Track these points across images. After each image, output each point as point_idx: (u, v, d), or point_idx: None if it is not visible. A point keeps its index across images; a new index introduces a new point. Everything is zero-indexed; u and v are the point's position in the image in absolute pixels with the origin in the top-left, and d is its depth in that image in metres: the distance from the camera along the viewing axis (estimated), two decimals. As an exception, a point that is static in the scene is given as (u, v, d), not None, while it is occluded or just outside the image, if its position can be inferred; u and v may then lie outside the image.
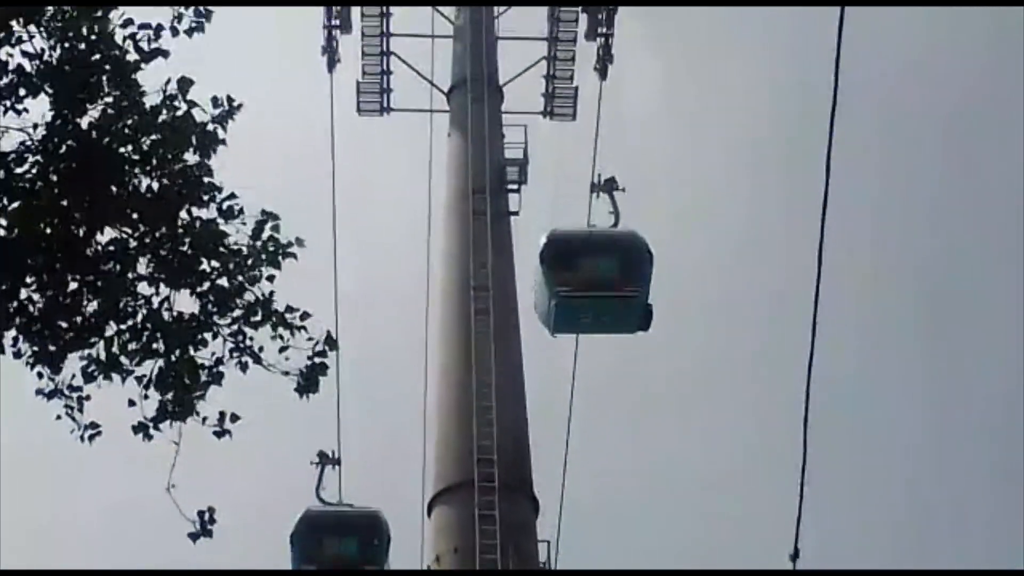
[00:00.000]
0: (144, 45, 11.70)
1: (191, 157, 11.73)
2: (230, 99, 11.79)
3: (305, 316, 12.14)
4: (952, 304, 47.98)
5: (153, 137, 11.60)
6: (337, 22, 30.08)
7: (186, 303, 12.02)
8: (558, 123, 30.73)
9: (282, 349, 12.20)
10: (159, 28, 11.77)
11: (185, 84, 11.74)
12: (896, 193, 49.36)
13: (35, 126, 11.71)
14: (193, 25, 11.94)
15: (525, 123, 28.36)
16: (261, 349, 12.10)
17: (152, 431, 12.06)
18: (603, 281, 23.38)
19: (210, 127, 11.77)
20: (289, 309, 12.11)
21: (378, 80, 30.56)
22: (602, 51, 29.91)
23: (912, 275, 49.12)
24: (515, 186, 26.96)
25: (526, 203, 26.89)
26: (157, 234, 11.69)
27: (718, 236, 49.10)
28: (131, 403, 12.05)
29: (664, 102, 46.00)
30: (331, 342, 12.29)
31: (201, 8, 11.95)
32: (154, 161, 11.64)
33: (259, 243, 11.82)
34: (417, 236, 28.56)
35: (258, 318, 12.07)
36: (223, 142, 11.86)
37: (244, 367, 12.09)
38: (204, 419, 12.12)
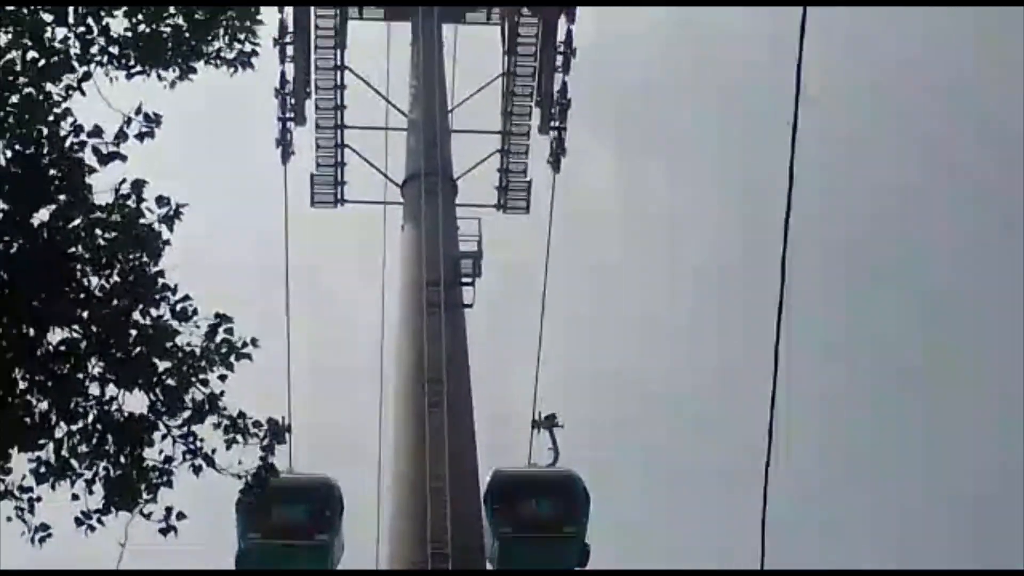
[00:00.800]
0: (102, 148, 11.75)
1: (140, 256, 11.74)
2: (170, 200, 11.85)
3: (258, 424, 12.19)
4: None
5: (105, 236, 11.62)
6: (292, 114, 30.25)
7: (136, 403, 12.01)
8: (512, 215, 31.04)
9: (229, 444, 12.20)
10: (120, 135, 11.81)
11: (139, 186, 11.78)
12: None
13: (-15, 226, 11.72)
14: (143, 131, 12.01)
15: (479, 216, 28.65)
16: (214, 451, 12.10)
17: (96, 524, 12.00)
18: (543, 523, 24.26)
19: (156, 227, 11.81)
20: (241, 414, 12.12)
21: (332, 172, 30.71)
22: (555, 144, 30.25)
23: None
24: (469, 279, 27.08)
25: (480, 295, 27.09)
26: (108, 334, 11.66)
27: (673, 318, 49.32)
28: (75, 497, 12.00)
29: (618, 191, 46.47)
30: (278, 433, 12.34)
31: (150, 113, 12.04)
32: (104, 260, 11.64)
33: (213, 344, 11.82)
34: (371, 328, 28.59)
35: (209, 417, 12.06)
36: (168, 243, 11.90)
37: (197, 470, 12.06)
38: (149, 515, 12.08)
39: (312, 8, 28.86)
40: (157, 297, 11.69)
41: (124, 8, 12.11)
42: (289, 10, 28.79)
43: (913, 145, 49.93)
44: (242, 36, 12.73)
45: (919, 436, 48.17)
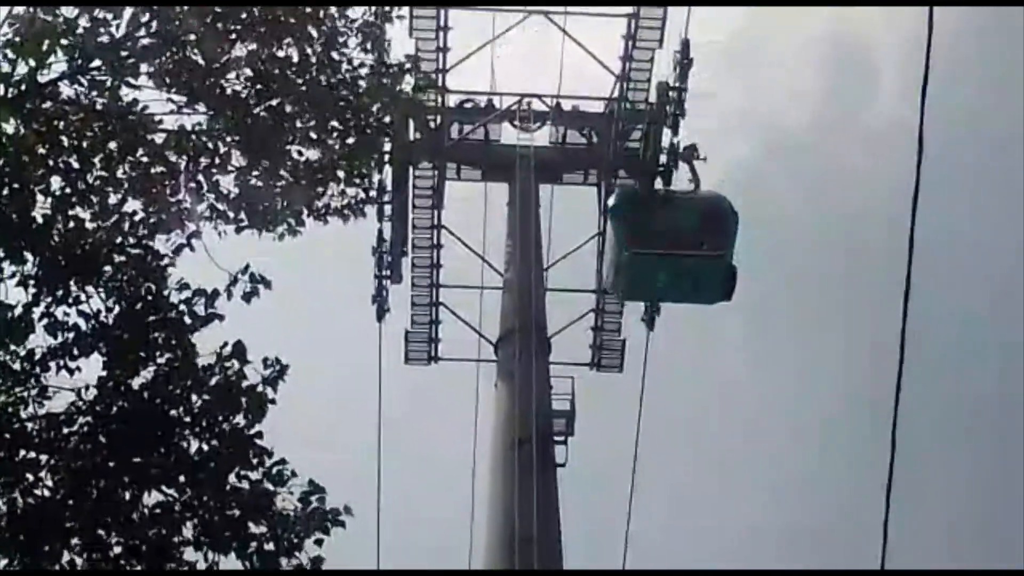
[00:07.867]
0: (199, 309, 11.77)
1: (241, 419, 11.65)
2: (279, 361, 11.79)
3: None
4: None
5: (204, 398, 11.57)
6: (388, 272, 30.44)
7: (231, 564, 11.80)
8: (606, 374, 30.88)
9: None
10: (215, 294, 11.85)
11: (240, 348, 11.75)
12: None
13: (87, 387, 11.73)
14: (248, 291, 12.03)
15: (572, 375, 28.50)
16: None
17: None
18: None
19: (259, 388, 11.74)
20: None
21: (426, 330, 30.77)
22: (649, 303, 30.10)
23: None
24: (562, 437, 26.81)
25: (572, 454, 26.84)
26: (204, 497, 11.55)
27: (770, 486, 48.15)
28: None
29: (713, 351, 45.84)
30: None
31: (257, 274, 12.08)
32: (204, 423, 11.58)
33: (308, 510, 11.63)
34: (462, 486, 28.32)
35: None
36: (273, 402, 11.81)
37: None
38: None
39: (411, 169, 29.18)
40: (254, 460, 11.58)
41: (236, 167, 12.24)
42: (388, 170, 29.14)
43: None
44: (357, 180, 12.75)
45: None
